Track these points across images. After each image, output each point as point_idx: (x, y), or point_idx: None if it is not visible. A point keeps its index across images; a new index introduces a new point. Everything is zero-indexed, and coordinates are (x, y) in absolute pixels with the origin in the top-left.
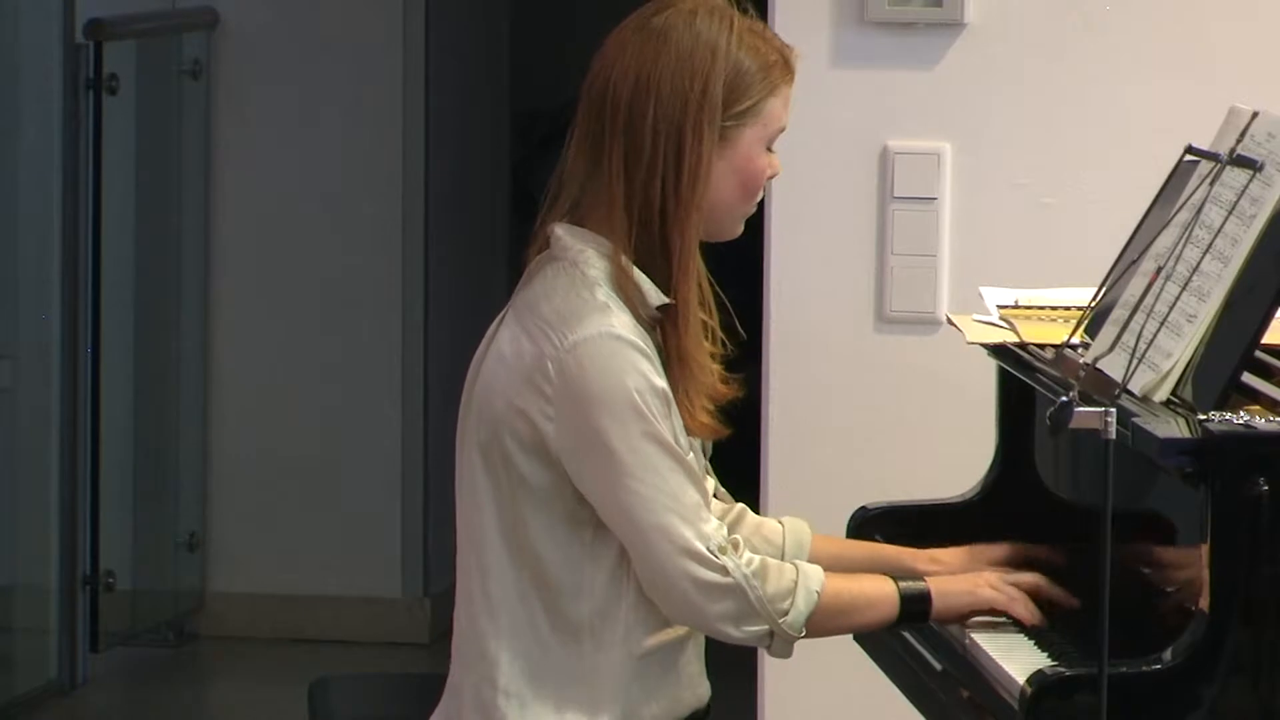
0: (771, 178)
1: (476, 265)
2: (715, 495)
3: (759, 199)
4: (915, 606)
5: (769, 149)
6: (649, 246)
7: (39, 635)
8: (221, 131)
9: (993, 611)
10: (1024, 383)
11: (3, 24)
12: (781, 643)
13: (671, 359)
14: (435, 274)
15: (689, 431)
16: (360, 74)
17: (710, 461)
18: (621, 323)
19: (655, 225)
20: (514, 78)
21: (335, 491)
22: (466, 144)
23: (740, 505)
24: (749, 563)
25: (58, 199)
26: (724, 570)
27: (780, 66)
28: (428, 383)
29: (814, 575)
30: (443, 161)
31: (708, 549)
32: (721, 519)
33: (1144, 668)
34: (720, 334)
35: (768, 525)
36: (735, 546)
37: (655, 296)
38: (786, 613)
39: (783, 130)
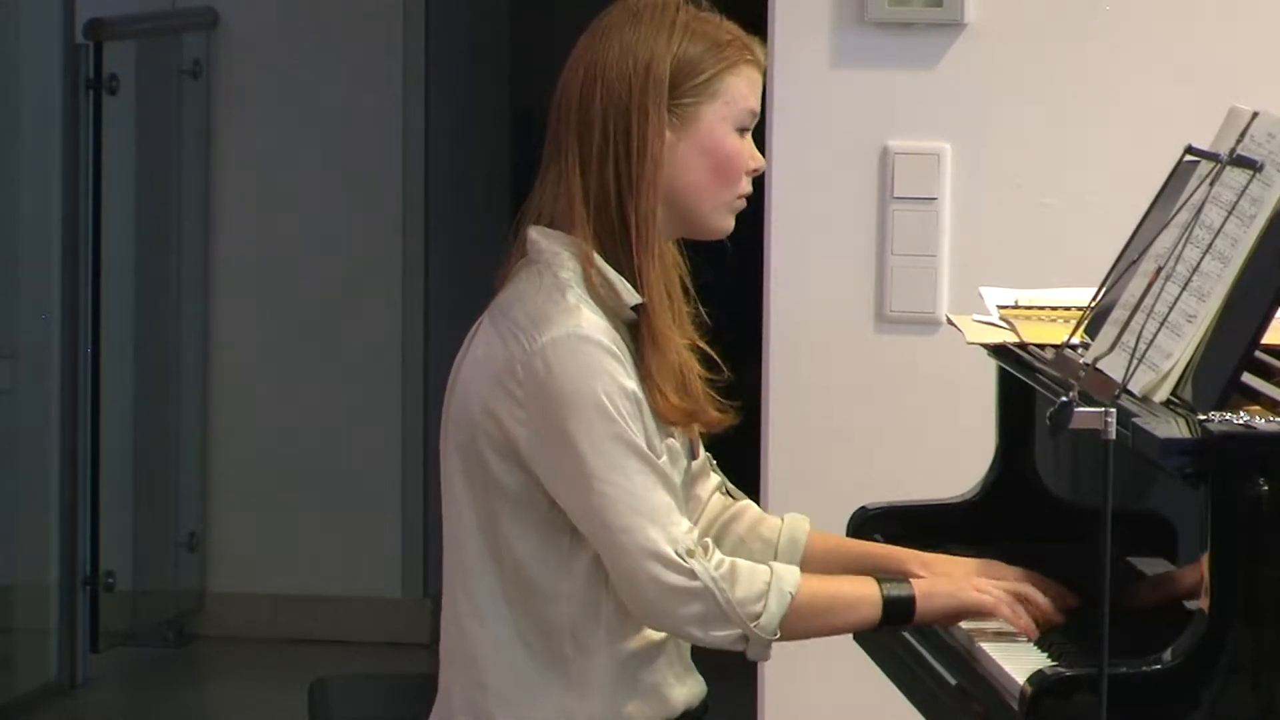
0: (756, 172)
1: (476, 265)
2: (727, 492)
3: (744, 190)
4: (899, 608)
5: (741, 133)
6: (610, 235)
7: (39, 635)
8: (221, 131)
9: (981, 615)
10: (1024, 383)
11: (3, 24)
12: (757, 646)
13: (644, 344)
14: (435, 274)
15: (661, 417)
16: (360, 74)
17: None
18: (591, 324)
19: (613, 211)
20: (514, 78)
21: (335, 491)
22: (466, 144)
23: (744, 502)
24: (718, 565)
25: (58, 199)
26: (690, 573)
27: (736, 45)
28: (428, 383)
29: (788, 577)
30: (443, 161)
31: (675, 552)
32: (720, 515)
33: (1144, 668)
34: (701, 345)
35: (767, 522)
36: (705, 549)
37: (629, 295)
38: (758, 616)
39: (753, 113)
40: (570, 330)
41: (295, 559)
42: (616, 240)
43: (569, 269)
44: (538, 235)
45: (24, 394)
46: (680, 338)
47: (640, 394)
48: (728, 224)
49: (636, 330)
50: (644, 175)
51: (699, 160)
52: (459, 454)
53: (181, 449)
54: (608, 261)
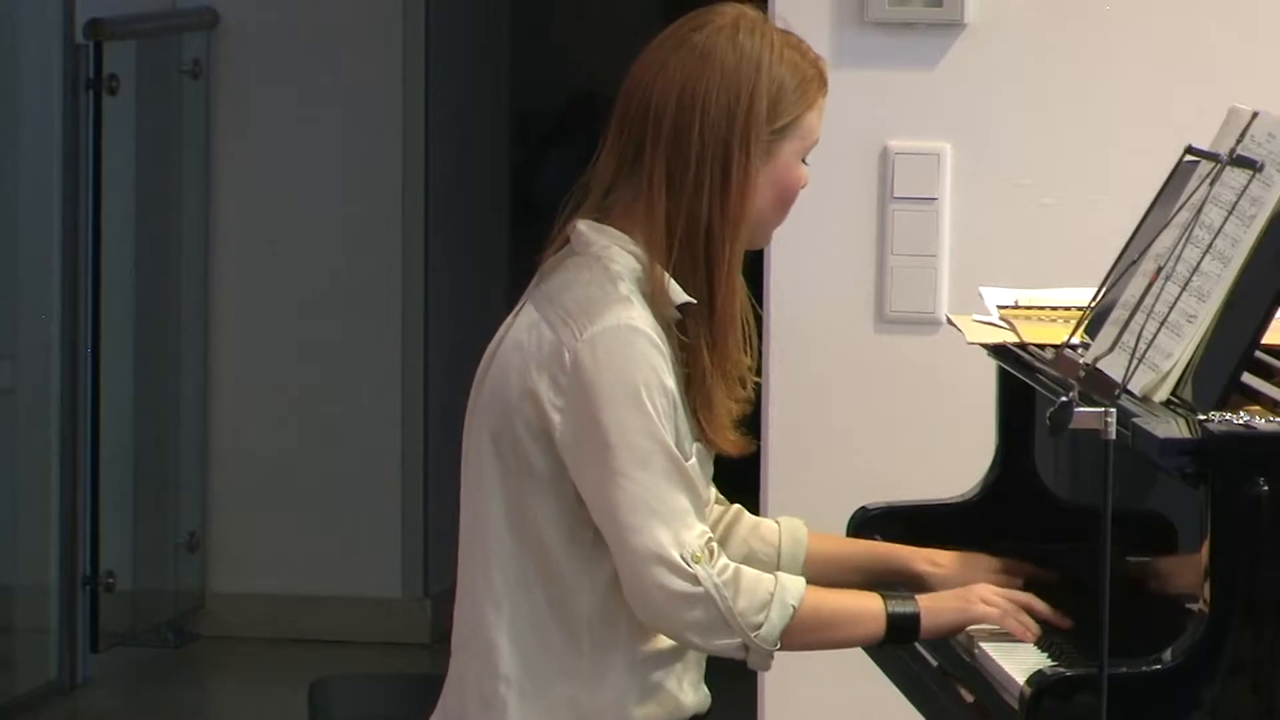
0: (801, 188)
1: (476, 265)
2: (717, 502)
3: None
4: (904, 625)
5: (804, 161)
6: (690, 263)
7: (39, 635)
8: (221, 131)
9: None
10: (1024, 383)
11: (3, 24)
12: (757, 655)
13: (707, 372)
14: (435, 274)
15: (714, 447)
16: (360, 74)
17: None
18: (641, 316)
19: (700, 241)
20: (514, 78)
21: (335, 491)
22: (466, 144)
23: (736, 507)
24: (721, 570)
25: (58, 199)
26: (694, 579)
27: (817, 80)
28: (428, 382)
29: (792, 588)
30: (443, 161)
31: (680, 556)
32: (719, 521)
33: (1144, 668)
34: (753, 354)
35: (764, 525)
36: (712, 554)
37: (678, 294)
38: (759, 626)
39: (817, 143)
40: (622, 321)
41: (295, 559)
42: (695, 270)
43: (619, 262)
44: (587, 228)
45: (24, 394)
46: (741, 366)
47: (677, 394)
48: (769, 241)
49: (682, 330)
50: (743, 212)
51: (768, 192)
52: (490, 438)
53: (181, 449)
54: (676, 281)
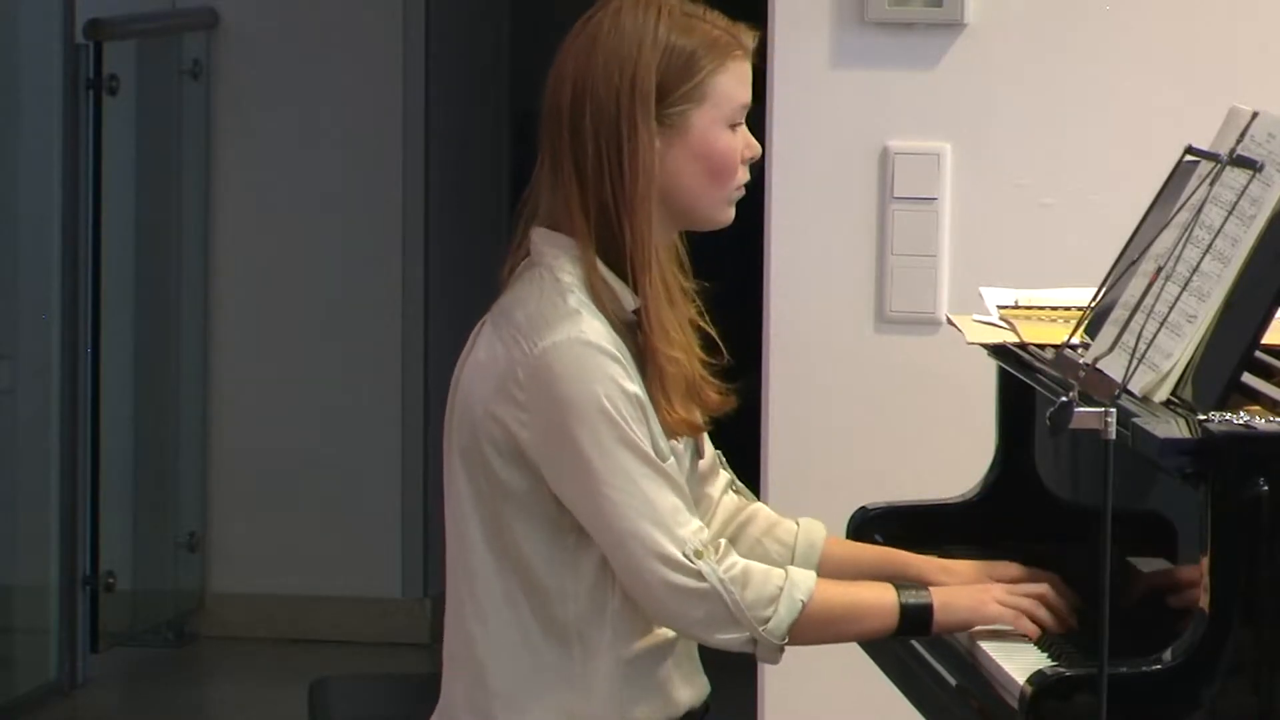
0: (752, 159)
1: (477, 266)
2: (735, 491)
3: (740, 181)
4: (917, 617)
5: (734, 128)
6: (613, 246)
7: (39, 635)
8: (221, 131)
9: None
10: (1024, 383)
11: (3, 24)
12: (766, 649)
13: (646, 359)
14: (435, 274)
15: (667, 429)
16: (360, 74)
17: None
18: (592, 328)
19: (613, 224)
20: (514, 78)
21: (335, 491)
22: (466, 144)
23: (756, 505)
24: (729, 568)
25: (58, 199)
26: (699, 575)
27: (721, 44)
28: (427, 382)
29: (802, 583)
30: (443, 161)
31: (682, 553)
32: (734, 516)
33: (1144, 668)
34: (701, 324)
35: (782, 526)
36: (717, 549)
37: (629, 300)
38: (767, 620)
39: (744, 107)
40: (572, 335)
41: (295, 559)
42: (619, 250)
43: (569, 272)
44: (539, 238)
45: (24, 394)
46: (682, 340)
47: (643, 396)
48: (728, 216)
49: (638, 331)
50: (637, 191)
51: (692, 165)
52: (461, 457)
53: (181, 449)
54: (610, 267)
